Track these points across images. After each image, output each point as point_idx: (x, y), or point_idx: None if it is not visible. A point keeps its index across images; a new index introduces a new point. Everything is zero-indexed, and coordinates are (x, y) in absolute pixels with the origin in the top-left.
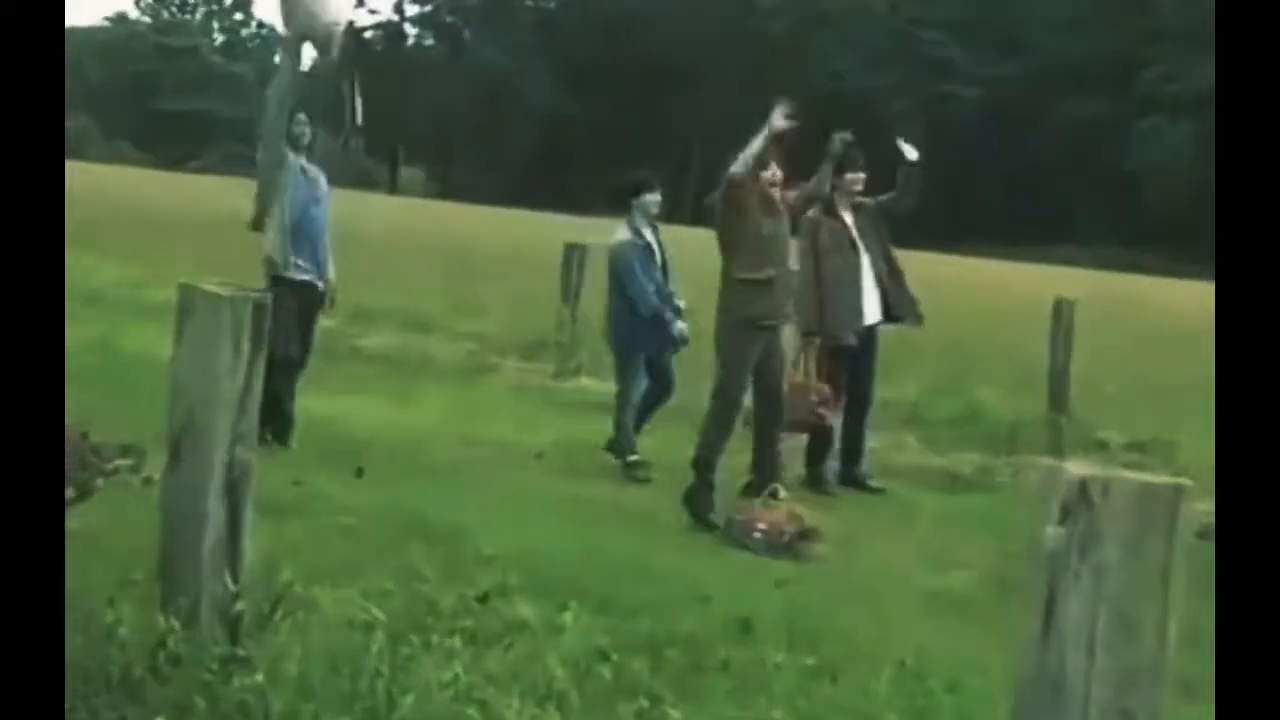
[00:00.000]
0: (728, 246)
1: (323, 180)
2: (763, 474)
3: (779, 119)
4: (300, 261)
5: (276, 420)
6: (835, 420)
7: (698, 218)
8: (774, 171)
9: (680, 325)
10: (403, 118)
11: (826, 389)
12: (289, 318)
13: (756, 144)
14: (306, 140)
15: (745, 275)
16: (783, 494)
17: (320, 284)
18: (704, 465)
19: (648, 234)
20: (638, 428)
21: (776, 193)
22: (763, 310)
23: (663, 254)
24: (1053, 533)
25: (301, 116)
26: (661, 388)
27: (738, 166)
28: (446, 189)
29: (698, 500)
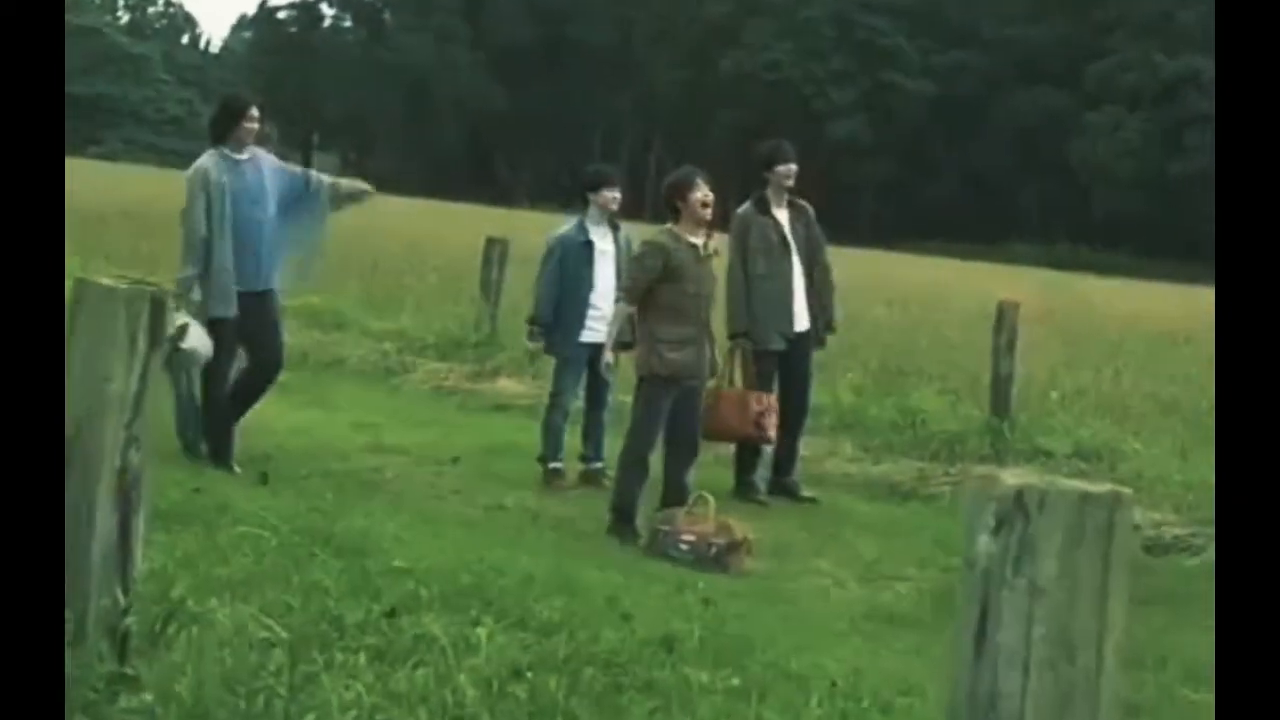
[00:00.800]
0: (649, 299)
1: (265, 166)
2: (669, 503)
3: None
4: (239, 280)
5: (218, 440)
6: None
7: (631, 209)
8: (705, 192)
9: (537, 344)
10: (318, 104)
11: (767, 398)
12: (231, 346)
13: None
14: (251, 139)
15: (664, 332)
16: (710, 503)
17: (274, 287)
18: (620, 512)
19: (596, 232)
20: (590, 441)
21: (709, 214)
22: (684, 368)
23: (619, 255)
24: (985, 545)
25: (254, 112)
26: (593, 396)
27: (625, 300)
28: (364, 178)
29: (619, 534)
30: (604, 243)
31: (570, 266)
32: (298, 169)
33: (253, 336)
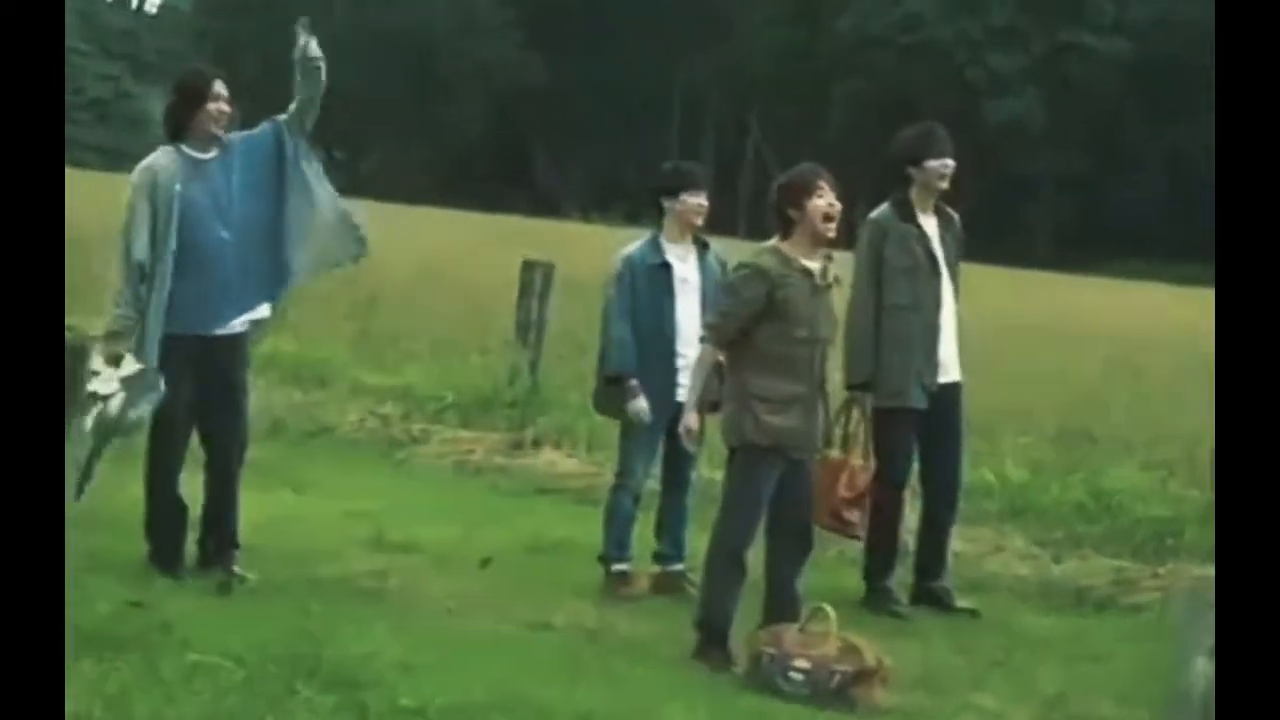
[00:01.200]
0: (741, 345)
1: (237, 161)
2: (775, 617)
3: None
4: (186, 321)
5: (161, 535)
6: (898, 523)
7: (719, 220)
8: (829, 200)
9: (638, 405)
10: (289, 82)
11: (863, 478)
12: (179, 412)
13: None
14: (221, 128)
15: (765, 389)
16: (831, 617)
17: (239, 329)
18: (710, 629)
19: (674, 251)
20: (668, 535)
21: (832, 229)
22: (792, 437)
23: (705, 281)
24: (1205, 670)
25: (220, 90)
26: (673, 475)
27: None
28: (357, 182)
29: (709, 660)
30: (685, 267)
31: (643, 298)
32: (263, 125)
33: (202, 401)
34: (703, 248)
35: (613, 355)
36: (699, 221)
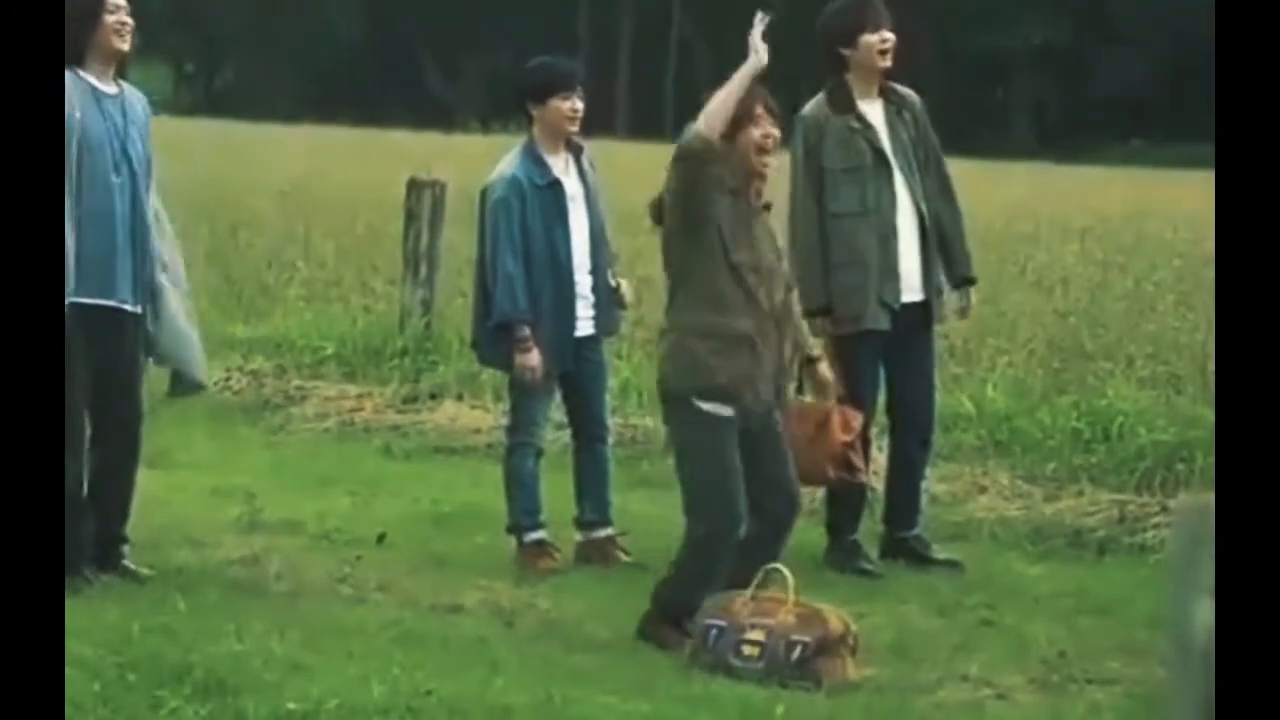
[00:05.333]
0: (677, 269)
1: (140, 110)
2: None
3: (761, 39)
4: (85, 285)
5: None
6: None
7: (637, 126)
8: (765, 130)
9: (530, 359)
10: None
11: (858, 418)
12: (76, 393)
13: (733, 88)
14: (124, 41)
15: (703, 324)
16: (788, 579)
17: (135, 308)
18: (672, 608)
19: (554, 165)
20: (590, 495)
21: (769, 164)
22: (738, 385)
23: (590, 196)
24: (1207, 611)
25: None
26: (585, 428)
27: (700, 126)
28: (213, 99)
29: (662, 637)
30: (571, 182)
31: (534, 225)
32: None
33: (98, 382)
34: (576, 154)
35: (501, 298)
36: (573, 129)
